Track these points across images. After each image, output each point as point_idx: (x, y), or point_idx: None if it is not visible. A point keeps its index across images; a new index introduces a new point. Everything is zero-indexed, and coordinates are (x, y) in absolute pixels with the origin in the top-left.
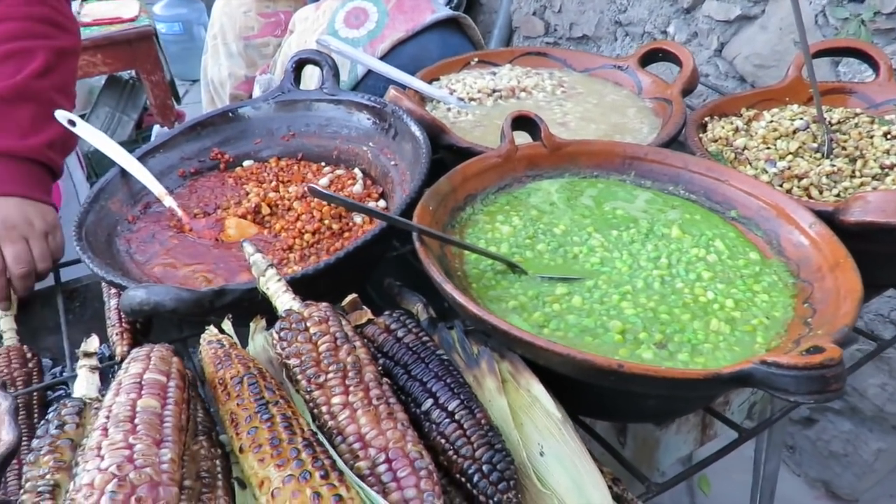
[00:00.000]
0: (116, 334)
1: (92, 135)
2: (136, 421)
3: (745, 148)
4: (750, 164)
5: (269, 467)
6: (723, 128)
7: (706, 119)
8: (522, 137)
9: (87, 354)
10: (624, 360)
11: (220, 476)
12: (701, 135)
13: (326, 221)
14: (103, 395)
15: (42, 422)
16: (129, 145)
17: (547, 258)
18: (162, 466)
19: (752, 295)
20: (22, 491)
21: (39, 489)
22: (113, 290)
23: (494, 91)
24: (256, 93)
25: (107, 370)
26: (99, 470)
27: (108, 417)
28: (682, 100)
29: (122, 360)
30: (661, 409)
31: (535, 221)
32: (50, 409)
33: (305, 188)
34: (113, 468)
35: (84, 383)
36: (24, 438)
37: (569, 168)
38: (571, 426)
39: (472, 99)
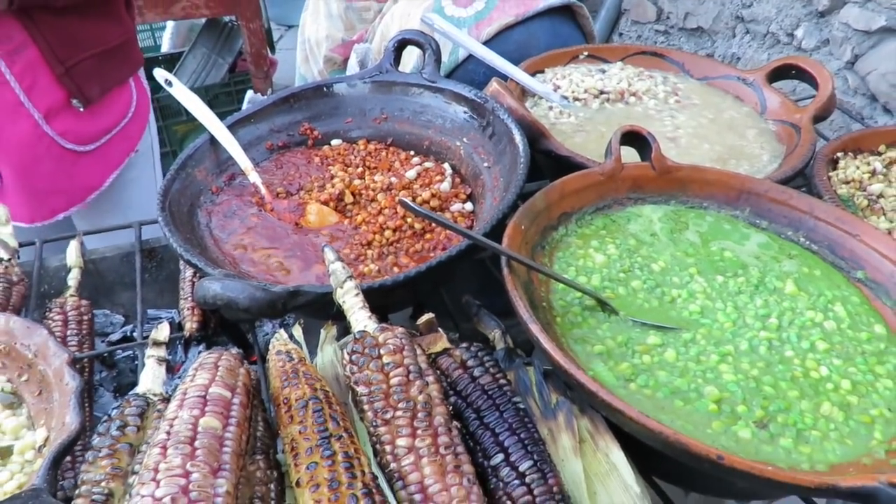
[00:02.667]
0: (188, 308)
1: (186, 97)
2: (197, 444)
3: (881, 195)
4: (884, 214)
5: None
6: (857, 168)
7: (838, 154)
8: (629, 153)
9: (157, 343)
10: (719, 439)
11: (273, 502)
12: (831, 173)
13: (409, 220)
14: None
15: (104, 417)
16: (221, 87)
17: (641, 298)
18: (216, 500)
19: (874, 378)
20: (77, 493)
21: (94, 497)
22: None
23: (602, 93)
24: (352, 61)
25: (175, 340)
26: (154, 498)
27: (168, 434)
28: (812, 128)
29: (191, 336)
30: (750, 491)
31: (632, 253)
32: (113, 406)
33: (392, 179)
34: (167, 500)
35: (150, 376)
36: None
37: (677, 195)
38: (650, 503)
39: (576, 99)
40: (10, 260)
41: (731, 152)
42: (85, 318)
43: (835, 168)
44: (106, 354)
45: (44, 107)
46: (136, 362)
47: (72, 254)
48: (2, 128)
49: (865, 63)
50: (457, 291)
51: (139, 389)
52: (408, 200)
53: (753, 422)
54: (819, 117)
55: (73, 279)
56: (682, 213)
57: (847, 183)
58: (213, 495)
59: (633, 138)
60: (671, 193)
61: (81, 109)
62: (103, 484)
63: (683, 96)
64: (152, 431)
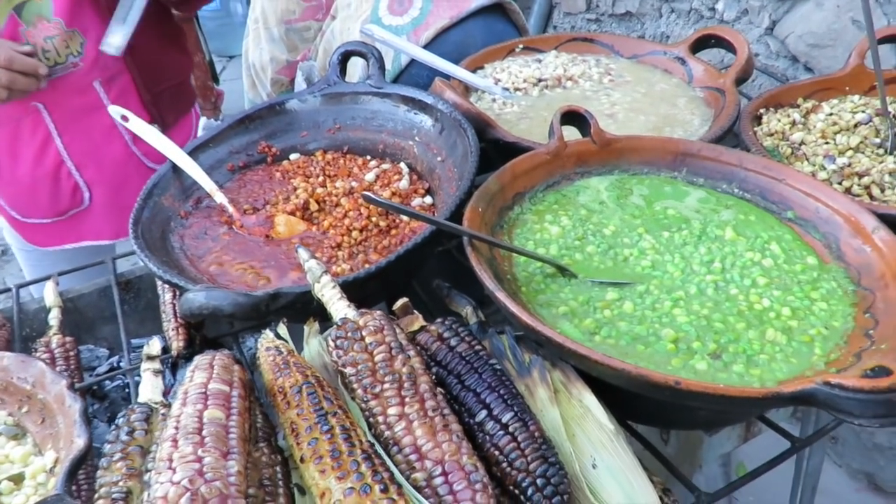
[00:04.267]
0: (172, 329)
1: (144, 130)
2: (204, 433)
3: (802, 143)
4: (807, 159)
5: (330, 479)
6: (779, 121)
7: (761, 111)
8: (571, 132)
9: (151, 357)
10: (679, 374)
11: (280, 483)
12: (756, 128)
13: (374, 219)
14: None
15: (112, 426)
16: None
17: (597, 261)
18: (230, 479)
19: (810, 303)
20: (97, 496)
21: (114, 496)
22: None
23: (540, 80)
24: (298, 79)
25: (163, 363)
26: (172, 483)
27: (176, 428)
28: (735, 90)
29: (178, 355)
30: (712, 419)
31: (584, 221)
32: (119, 415)
33: (352, 183)
34: (185, 482)
35: (149, 387)
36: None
37: (619, 165)
38: (624, 437)
39: (517, 89)
40: None
41: (665, 121)
42: (71, 353)
43: (759, 124)
44: (96, 386)
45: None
46: (128, 390)
47: (49, 294)
48: (99, 149)
49: (783, 27)
50: (430, 284)
51: (141, 399)
52: (370, 193)
53: (708, 354)
54: (740, 79)
55: (54, 318)
56: (625, 180)
57: (771, 135)
58: (227, 475)
59: (573, 118)
60: (614, 164)
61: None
62: (121, 483)
63: (616, 75)
64: (160, 433)
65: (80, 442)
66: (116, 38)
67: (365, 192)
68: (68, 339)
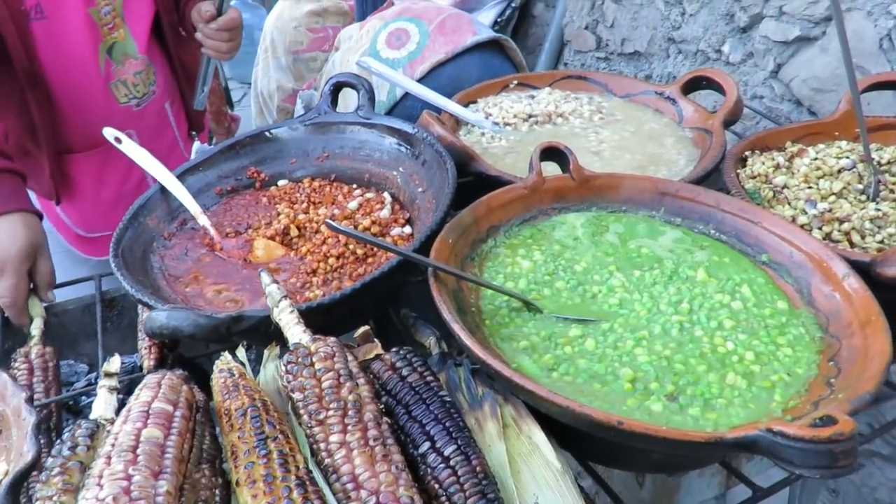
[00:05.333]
0: (145, 348)
1: (135, 152)
2: (139, 451)
3: (784, 186)
4: (789, 203)
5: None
6: (763, 163)
7: (747, 153)
8: (553, 168)
9: (108, 375)
10: (633, 414)
11: None
12: (739, 170)
13: (351, 247)
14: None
15: (57, 441)
16: None
17: (565, 297)
18: (157, 499)
19: (776, 348)
20: None
21: None
22: None
23: (531, 116)
24: (298, 107)
25: (136, 381)
26: (97, 500)
27: (113, 445)
28: (723, 131)
29: (148, 373)
30: (669, 462)
31: (556, 257)
32: (65, 430)
33: (335, 211)
34: (109, 499)
35: (102, 404)
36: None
37: (597, 202)
38: (571, 477)
39: (507, 124)
40: None
41: (650, 160)
42: (50, 364)
43: (744, 166)
44: (72, 402)
45: (182, 136)
46: None
47: (34, 306)
48: (167, 163)
49: (787, 71)
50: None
51: (92, 416)
52: (331, 221)
53: (665, 395)
54: (729, 121)
55: (36, 328)
56: (602, 217)
57: (754, 178)
58: (154, 495)
59: (554, 153)
60: (592, 200)
61: (195, 138)
62: (55, 498)
63: (607, 113)
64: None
65: (28, 455)
66: (202, 98)
67: (327, 220)
68: (48, 349)
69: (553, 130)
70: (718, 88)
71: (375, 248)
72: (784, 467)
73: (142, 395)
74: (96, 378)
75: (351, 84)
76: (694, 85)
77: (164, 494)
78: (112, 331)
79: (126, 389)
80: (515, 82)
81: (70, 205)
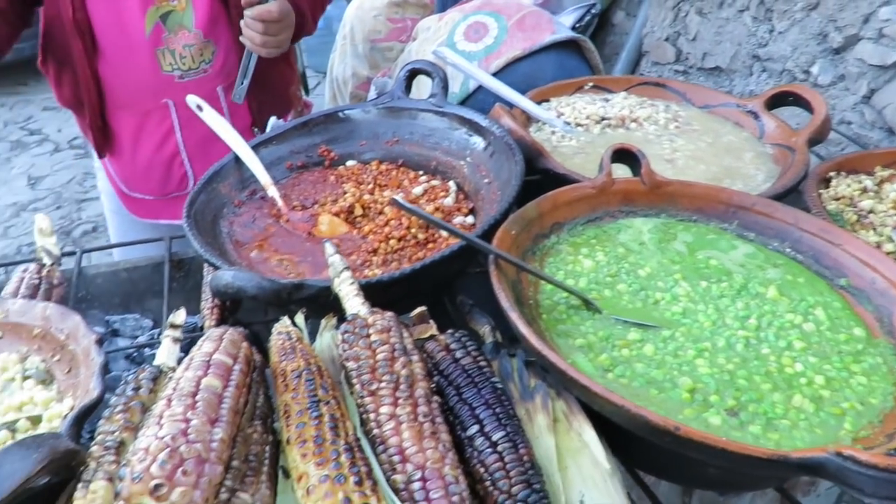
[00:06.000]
0: (207, 309)
1: (215, 121)
2: (198, 398)
3: (870, 211)
4: (874, 229)
5: (309, 463)
6: (849, 186)
7: (832, 174)
8: (623, 171)
9: (174, 326)
10: (685, 422)
11: (266, 462)
12: (822, 190)
13: (413, 230)
14: None
15: (122, 382)
16: None
17: (626, 300)
18: (212, 444)
19: (849, 375)
20: (93, 442)
21: (107, 444)
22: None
23: (603, 119)
24: (371, 93)
25: (196, 341)
26: (156, 437)
27: (174, 389)
28: (807, 150)
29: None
30: (723, 479)
31: (620, 260)
32: (130, 371)
33: (400, 195)
34: (167, 438)
35: (165, 352)
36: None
37: (666, 209)
38: (619, 480)
39: (578, 124)
40: (52, 265)
41: (726, 172)
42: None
43: (827, 187)
44: (135, 352)
45: (238, 129)
46: None
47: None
48: (210, 145)
49: (881, 97)
50: (455, 303)
51: (156, 362)
52: (398, 198)
53: (725, 410)
54: (814, 140)
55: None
56: (671, 225)
57: (837, 199)
58: (210, 440)
59: (626, 156)
60: (661, 207)
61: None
62: (116, 434)
63: (683, 122)
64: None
65: (94, 392)
66: (241, 90)
67: (394, 197)
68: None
69: (625, 135)
70: (805, 106)
71: (436, 235)
72: (853, 494)
73: (204, 346)
74: (159, 333)
75: (426, 71)
76: (778, 101)
77: (218, 441)
78: (177, 291)
79: (186, 348)
80: (591, 84)
81: (112, 159)
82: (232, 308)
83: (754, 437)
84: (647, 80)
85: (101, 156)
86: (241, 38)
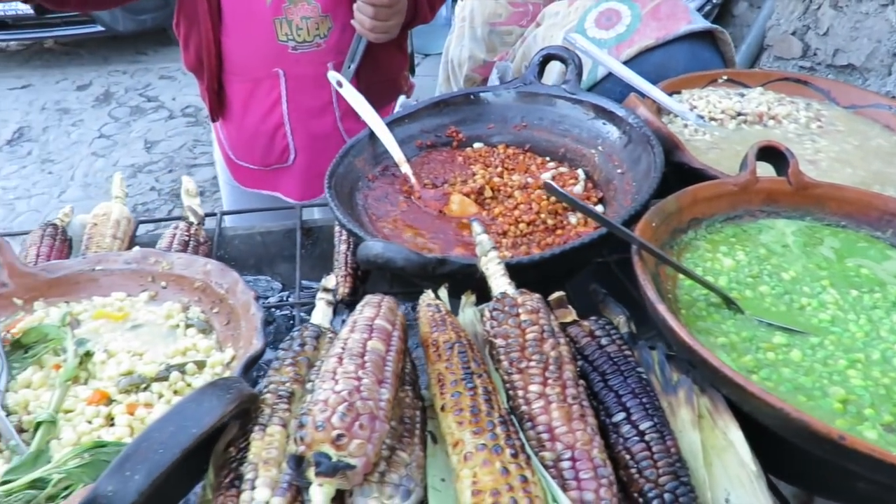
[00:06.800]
0: (342, 276)
1: (354, 97)
2: (366, 358)
3: None
4: None
5: (465, 431)
6: None
7: None
8: (764, 168)
9: (327, 290)
10: (844, 431)
11: (418, 425)
12: None
13: (543, 215)
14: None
15: (287, 337)
16: None
17: (768, 302)
18: (381, 403)
19: None
20: (265, 390)
21: (280, 392)
22: (343, 236)
23: (739, 114)
24: (493, 78)
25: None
26: (333, 391)
27: (343, 349)
28: None
29: (342, 299)
30: (870, 495)
31: (762, 261)
32: (294, 329)
33: (528, 179)
34: (345, 393)
35: (321, 314)
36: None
37: (812, 211)
38: (765, 483)
39: (713, 118)
40: (198, 224)
41: (875, 178)
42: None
43: None
44: (265, 312)
45: (342, 109)
46: (293, 322)
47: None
48: (314, 119)
49: None
50: (581, 290)
51: (313, 321)
52: (552, 183)
53: (881, 424)
54: None
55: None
56: (817, 229)
57: None
58: (379, 399)
59: (771, 154)
60: (807, 209)
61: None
62: (287, 384)
63: (827, 123)
64: (325, 352)
65: (257, 344)
66: (349, 74)
67: (547, 181)
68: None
69: (763, 132)
70: None
71: (564, 222)
72: None
73: (365, 311)
74: (288, 296)
75: (561, 57)
76: None
77: (386, 401)
78: (306, 257)
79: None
80: (725, 77)
81: (224, 124)
82: (363, 277)
83: None
84: (789, 75)
85: (213, 119)
86: (352, 21)
